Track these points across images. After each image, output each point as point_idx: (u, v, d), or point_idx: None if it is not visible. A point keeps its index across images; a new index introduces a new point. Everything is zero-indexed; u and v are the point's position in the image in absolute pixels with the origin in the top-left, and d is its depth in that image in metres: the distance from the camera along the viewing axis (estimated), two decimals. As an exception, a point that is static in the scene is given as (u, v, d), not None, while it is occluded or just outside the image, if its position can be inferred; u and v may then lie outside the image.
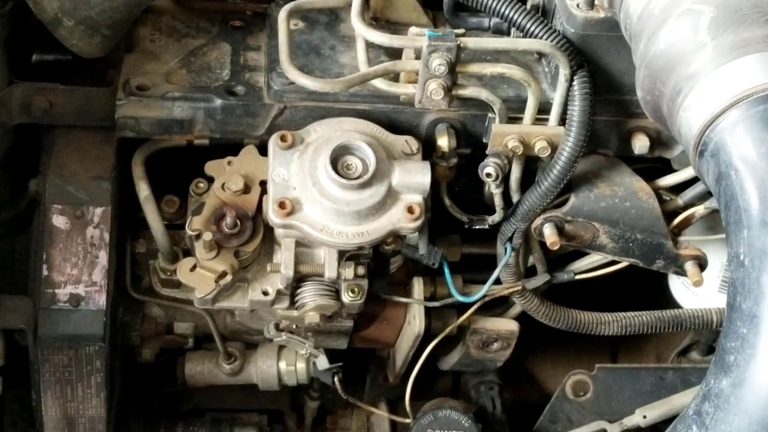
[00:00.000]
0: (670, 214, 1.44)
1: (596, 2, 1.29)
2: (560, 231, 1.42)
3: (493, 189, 1.41)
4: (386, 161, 1.31)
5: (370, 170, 1.29)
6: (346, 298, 1.39)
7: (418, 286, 1.54)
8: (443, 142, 1.37)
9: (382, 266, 1.43)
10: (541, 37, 1.30)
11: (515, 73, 1.31)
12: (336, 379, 1.57)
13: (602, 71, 1.33)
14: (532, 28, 1.31)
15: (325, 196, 1.28)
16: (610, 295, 1.69)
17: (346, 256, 1.37)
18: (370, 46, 1.34)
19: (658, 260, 1.44)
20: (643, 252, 1.43)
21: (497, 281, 1.51)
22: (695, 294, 1.57)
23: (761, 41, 1.02)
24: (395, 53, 1.36)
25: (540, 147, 1.34)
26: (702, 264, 1.44)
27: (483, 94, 1.33)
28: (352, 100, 1.37)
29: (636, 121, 1.38)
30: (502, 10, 1.32)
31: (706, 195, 1.42)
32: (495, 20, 1.44)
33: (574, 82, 1.30)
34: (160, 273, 1.46)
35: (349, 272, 1.37)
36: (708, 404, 0.93)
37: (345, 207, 1.28)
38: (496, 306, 1.63)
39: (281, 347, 1.60)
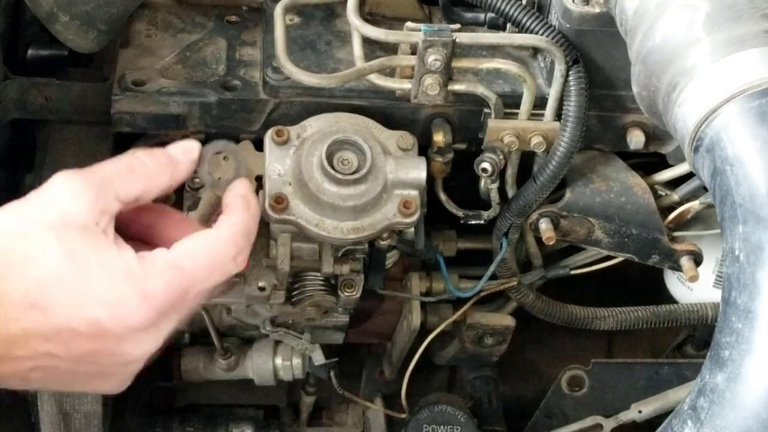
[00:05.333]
0: (665, 210, 1.44)
1: (591, -3, 1.29)
2: (556, 226, 1.42)
3: (489, 184, 1.41)
4: (382, 156, 1.31)
5: (366, 165, 1.29)
6: (342, 293, 1.39)
7: (414, 282, 1.54)
8: (439, 137, 1.38)
9: (378, 261, 1.44)
10: (536, 33, 1.30)
11: (511, 68, 1.31)
12: (332, 374, 1.58)
13: (598, 66, 1.33)
14: (528, 23, 1.31)
15: (320, 191, 1.28)
16: (605, 290, 1.69)
17: (341, 251, 1.37)
18: (365, 41, 1.34)
19: (653, 255, 1.44)
20: (638, 247, 1.43)
21: (493, 276, 1.51)
22: (691, 289, 1.57)
23: (757, 37, 1.02)
24: (391, 48, 1.36)
25: (536, 142, 1.35)
26: (697, 259, 1.44)
27: (479, 89, 1.33)
28: (347, 95, 1.37)
29: (631, 117, 1.38)
30: (498, 5, 1.33)
31: (702, 190, 1.42)
32: (490, 15, 1.44)
33: (570, 78, 1.30)
34: (156, 268, 1.46)
35: (344, 267, 1.37)
36: (703, 399, 0.93)
37: (341, 202, 1.28)
38: (492, 301, 1.64)
39: (277, 342, 1.60)
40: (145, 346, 0.99)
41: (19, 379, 0.96)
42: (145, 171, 1.04)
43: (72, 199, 0.98)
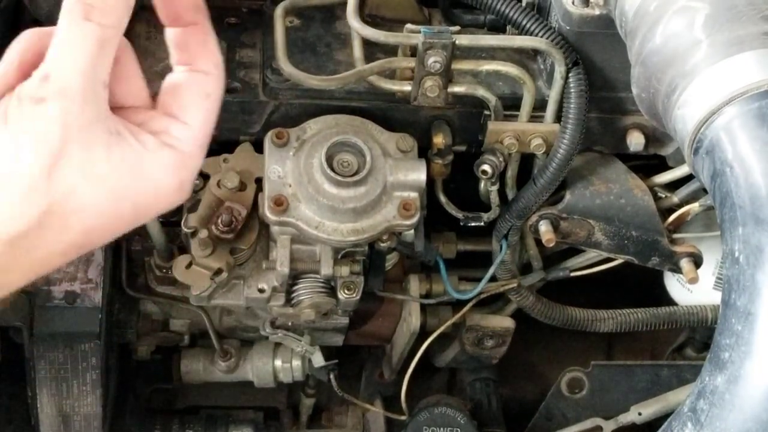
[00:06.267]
0: (665, 212, 1.44)
1: (591, -1, 1.29)
2: (555, 228, 1.42)
3: (489, 186, 1.41)
4: (382, 158, 1.31)
5: (366, 167, 1.29)
6: (342, 295, 1.39)
7: (414, 284, 1.54)
8: (439, 139, 1.38)
9: (377, 263, 1.44)
10: (536, 34, 1.30)
11: (511, 70, 1.31)
12: (331, 376, 1.58)
13: (597, 68, 1.33)
14: (528, 25, 1.31)
15: (320, 193, 1.28)
16: (605, 292, 1.69)
17: (341, 253, 1.37)
18: (365, 43, 1.34)
19: (653, 257, 1.44)
20: (638, 249, 1.43)
21: (493, 278, 1.51)
22: (690, 291, 1.57)
23: (756, 38, 1.02)
24: (391, 50, 1.36)
25: (535, 144, 1.35)
26: (697, 261, 1.44)
27: (478, 91, 1.33)
28: (347, 97, 1.37)
29: (631, 118, 1.38)
30: (498, 7, 1.33)
31: (702, 192, 1.42)
32: (490, 17, 1.44)
33: (570, 80, 1.30)
34: (156, 270, 1.46)
35: (344, 269, 1.37)
36: (703, 401, 0.93)
37: (340, 204, 1.28)
38: (492, 303, 1.64)
39: (277, 344, 1.60)
40: None
41: None
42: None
43: None
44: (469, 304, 1.54)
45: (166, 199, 0.85)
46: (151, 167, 0.84)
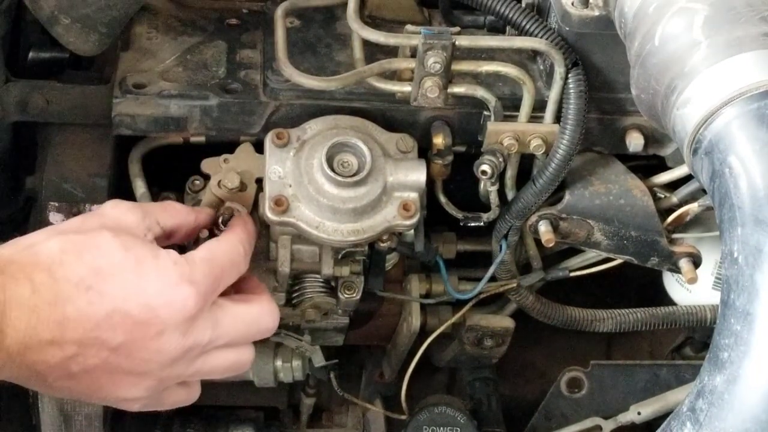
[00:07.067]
0: (664, 212, 1.44)
1: (591, 1, 1.29)
2: (555, 228, 1.43)
3: (489, 186, 1.41)
4: (382, 159, 1.31)
5: (366, 168, 1.29)
6: (342, 295, 1.39)
7: (414, 284, 1.54)
8: (439, 139, 1.38)
9: (377, 263, 1.44)
10: (536, 35, 1.31)
11: (510, 71, 1.31)
12: (332, 375, 1.58)
13: (597, 69, 1.33)
14: (528, 26, 1.32)
15: (320, 193, 1.28)
16: (605, 292, 1.70)
17: (341, 253, 1.37)
18: (365, 44, 1.35)
19: (652, 257, 1.44)
20: (637, 249, 1.44)
21: (492, 278, 1.51)
22: (689, 291, 1.58)
23: (755, 39, 1.02)
24: (391, 51, 1.36)
25: (535, 145, 1.35)
26: (696, 261, 1.45)
27: (478, 92, 1.33)
28: (347, 97, 1.37)
29: (630, 119, 1.39)
30: (498, 8, 1.33)
31: (701, 192, 1.42)
32: (490, 18, 1.44)
33: (569, 80, 1.30)
34: (157, 270, 1.46)
35: (344, 269, 1.38)
36: (702, 401, 0.94)
37: (341, 204, 1.28)
38: (492, 303, 1.64)
39: (277, 344, 1.60)
40: (178, 343, 1.06)
41: (60, 370, 1.01)
42: (176, 210, 1.21)
43: (123, 212, 1.13)
44: (469, 304, 1.55)
45: None
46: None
